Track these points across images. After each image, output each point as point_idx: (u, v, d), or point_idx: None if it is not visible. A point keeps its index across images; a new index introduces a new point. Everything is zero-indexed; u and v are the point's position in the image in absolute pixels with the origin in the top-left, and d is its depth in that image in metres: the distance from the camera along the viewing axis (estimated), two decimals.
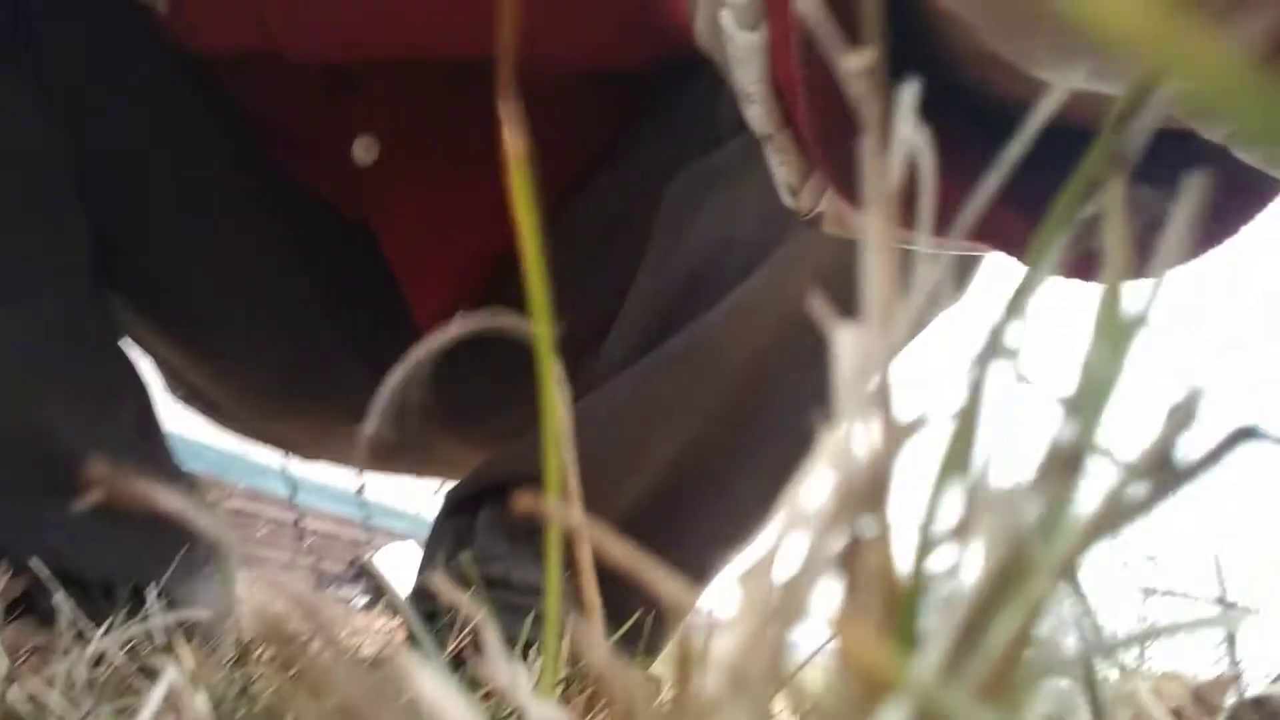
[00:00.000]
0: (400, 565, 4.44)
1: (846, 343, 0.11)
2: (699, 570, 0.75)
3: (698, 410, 0.70)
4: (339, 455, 1.09)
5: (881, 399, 0.11)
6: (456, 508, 0.79)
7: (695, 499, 0.73)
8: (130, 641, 0.63)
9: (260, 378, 0.92)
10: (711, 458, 0.72)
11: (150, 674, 0.47)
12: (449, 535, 0.78)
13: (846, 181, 0.37)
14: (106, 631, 0.59)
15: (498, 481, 0.76)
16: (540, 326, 0.19)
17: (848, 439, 0.10)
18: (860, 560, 0.09)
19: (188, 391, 0.98)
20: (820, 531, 0.10)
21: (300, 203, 0.86)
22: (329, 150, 0.82)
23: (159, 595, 0.79)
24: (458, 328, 0.18)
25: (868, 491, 0.10)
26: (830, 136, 0.36)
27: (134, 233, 0.80)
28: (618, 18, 0.72)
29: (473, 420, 0.91)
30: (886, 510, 0.10)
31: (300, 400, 0.94)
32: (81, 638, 0.60)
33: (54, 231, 0.74)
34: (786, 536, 0.10)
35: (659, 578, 0.13)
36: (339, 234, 0.88)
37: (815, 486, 0.10)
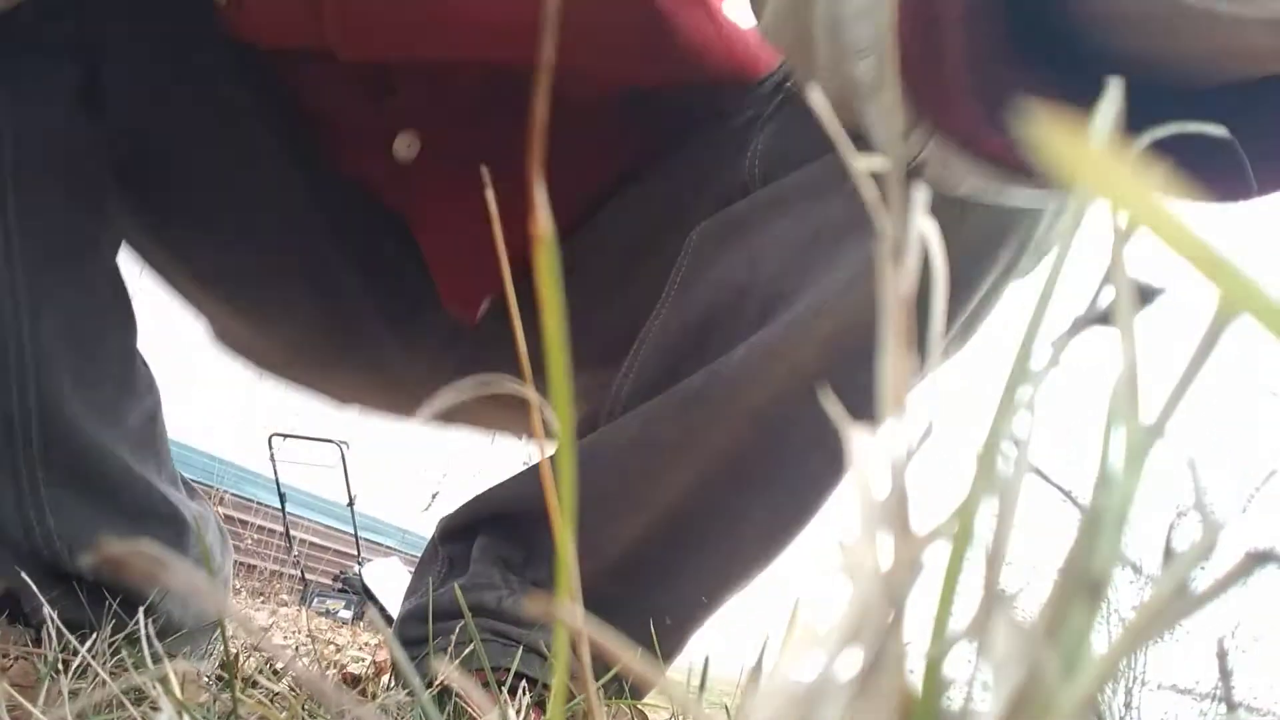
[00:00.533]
0: (385, 579, 4.43)
1: (861, 452, 0.11)
2: (696, 609, 0.74)
3: (705, 452, 0.70)
4: (371, 407, 1.11)
5: (898, 510, 0.11)
6: (449, 534, 0.79)
7: (698, 538, 0.72)
8: (116, 654, 0.63)
9: (297, 333, 0.94)
10: (716, 499, 0.71)
11: (136, 694, 0.46)
12: (442, 561, 0.78)
13: (990, 113, 0.42)
14: (92, 646, 0.58)
15: (494, 512, 0.76)
16: (557, 384, 0.19)
17: (865, 550, 0.10)
18: (874, 683, 0.09)
19: (232, 340, 1.02)
20: (833, 652, 0.10)
21: (342, 183, 0.89)
22: (371, 143, 0.84)
23: (146, 610, 0.79)
24: (476, 387, 0.18)
25: (882, 610, 0.10)
26: (977, 66, 0.40)
27: (183, 193, 0.83)
28: (636, 28, 0.74)
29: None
30: (902, 630, 0.10)
31: (337, 354, 0.97)
32: (67, 649, 0.60)
33: (89, 222, 0.75)
34: (799, 657, 0.10)
35: (635, 661, 0.13)
36: (377, 213, 0.90)
37: (829, 600, 0.10)
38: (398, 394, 1.02)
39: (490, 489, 0.79)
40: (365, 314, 0.92)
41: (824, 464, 0.72)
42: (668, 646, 0.73)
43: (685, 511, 0.71)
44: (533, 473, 0.77)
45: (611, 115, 0.84)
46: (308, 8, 0.71)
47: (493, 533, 0.76)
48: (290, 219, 0.86)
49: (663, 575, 0.73)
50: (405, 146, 0.83)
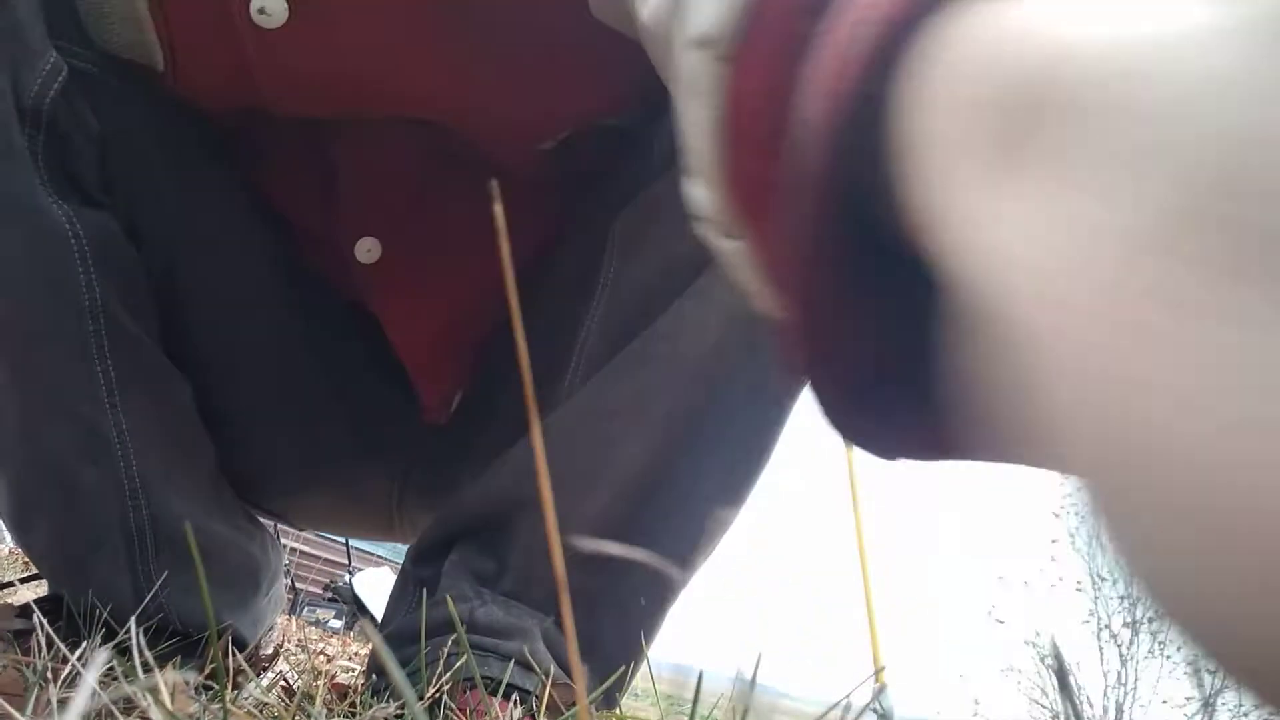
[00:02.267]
0: (376, 588, 4.42)
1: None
2: (669, 584, 0.74)
3: (655, 414, 0.71)
4: (326, 528, 1.11)
5: None
6: (421, 557, 0.79)
7: (660, 509, 0.73)
8: (108, 665, 0.63)
9: (268, 466, 0.93)
10: (672, 465, 0.72)
11: (125, 704, 0.46)
12: (415, 586, 0.77)
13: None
14: (81, 655, 0.58)
15: (464, 525, 0.76)
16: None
17: None
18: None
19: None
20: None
21: (321, 292, 0.89)
22: (336, 249, 0.85)
23: (137, 618, 0.80)
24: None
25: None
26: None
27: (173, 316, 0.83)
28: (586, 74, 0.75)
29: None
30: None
31: (304, 485, 0.95)
32: (56, 657, 0.60)
33: (150, 332, 0.78)
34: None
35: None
36: (352, 325, 0.91)
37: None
38: (353, 512, 1.02)
39: (454, 506, 0.79)
40: (339, 436, 0.92)
41: (770, 410, 0.73)
42: (646, 627, 0.74)
43: (644, 483, 0.72)
44: (503, 473, 0.76)
45: (546, 170, 0.84)
46: (234, 62, 0.70)
47: (464, 547, 0.76)
48: (269, 327, 0.86)
49: (638, 543, 0.72)
50: (366, 251, 0.84)
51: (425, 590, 0.75)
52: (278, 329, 0.86)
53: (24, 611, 0.77)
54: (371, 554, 6.65)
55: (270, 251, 0.85)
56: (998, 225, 0.18)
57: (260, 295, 0.85)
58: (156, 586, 0.76)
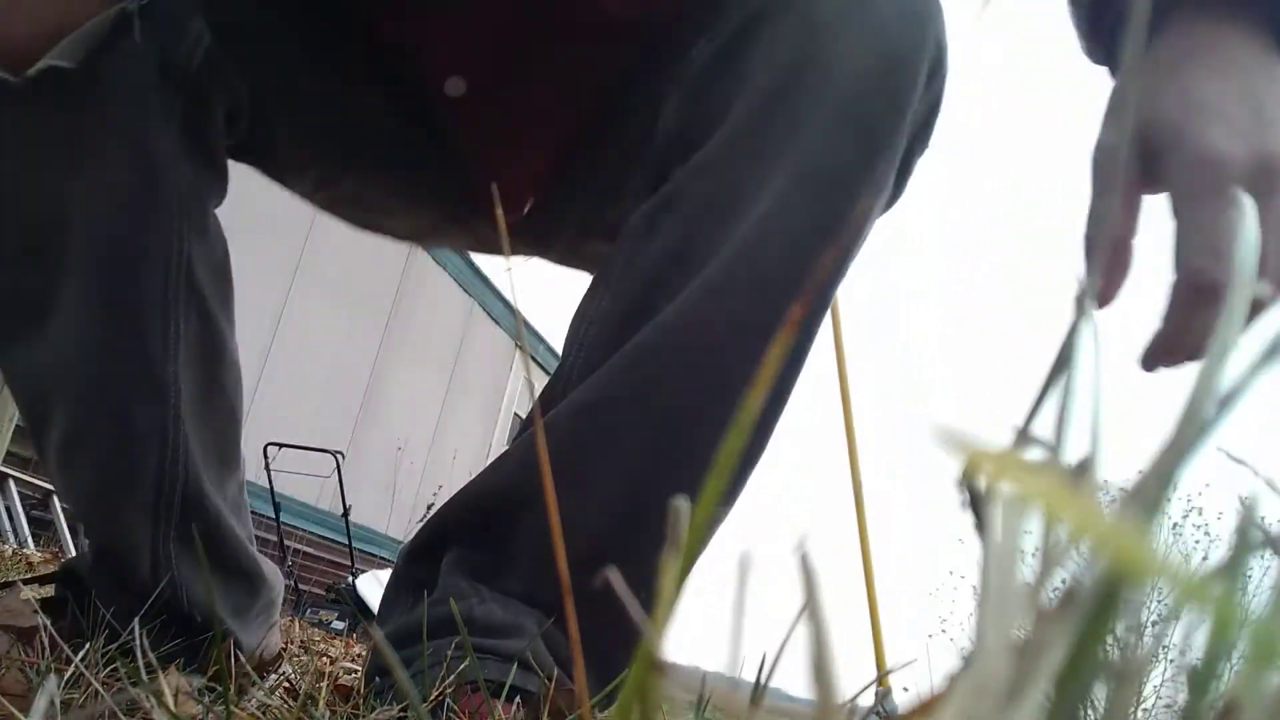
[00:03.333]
0: (379, 590, 4.41)
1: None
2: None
3: (656, 408, 0.71)
4: (457, 242, 1.13)
5: None
6: (414, 557, 0.78)
7: (659, 509, 0.70)
8: (110, 664, 0.63)
9: (385, 198, 0.98)
10: (673, 460, 0.72)
11: (129, 705, 0.46)
12: (408, 584, 0.77)
13: None
14: (85, 656, 0.58)
15: (461, 522, 0.76)
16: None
17: None
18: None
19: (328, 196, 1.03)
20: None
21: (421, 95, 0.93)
22: (428, 81, 0.89)
23: (151, 576, 0.81)
24: None
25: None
26: None
27: (274, 87, 0.87)
28: None
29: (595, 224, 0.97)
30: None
31: (416, 200, 0.99)
32: (60, 659, 0.60)
33: (225, 318, 0.84)
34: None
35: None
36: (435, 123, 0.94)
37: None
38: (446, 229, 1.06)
39: (453, 499, 0.78)
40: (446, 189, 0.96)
41: (771, 410, 0.73)
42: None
43: (644, 479, 0.71)
44: (501, 470, 0.76)
45: (600, 47, 0.87)
46: None
47: (461, 545, 0.76)
48: (373, 101, 0.91)
49: (632, 557, 0.70)
50: (454, 87, 0.88)
51: (424, 589, 0.75)
52: (378, 105, 0.91)
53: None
54: (374, 555, 6.65)
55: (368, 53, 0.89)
56: None
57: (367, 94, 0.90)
58: (164, 582, 0.77)
